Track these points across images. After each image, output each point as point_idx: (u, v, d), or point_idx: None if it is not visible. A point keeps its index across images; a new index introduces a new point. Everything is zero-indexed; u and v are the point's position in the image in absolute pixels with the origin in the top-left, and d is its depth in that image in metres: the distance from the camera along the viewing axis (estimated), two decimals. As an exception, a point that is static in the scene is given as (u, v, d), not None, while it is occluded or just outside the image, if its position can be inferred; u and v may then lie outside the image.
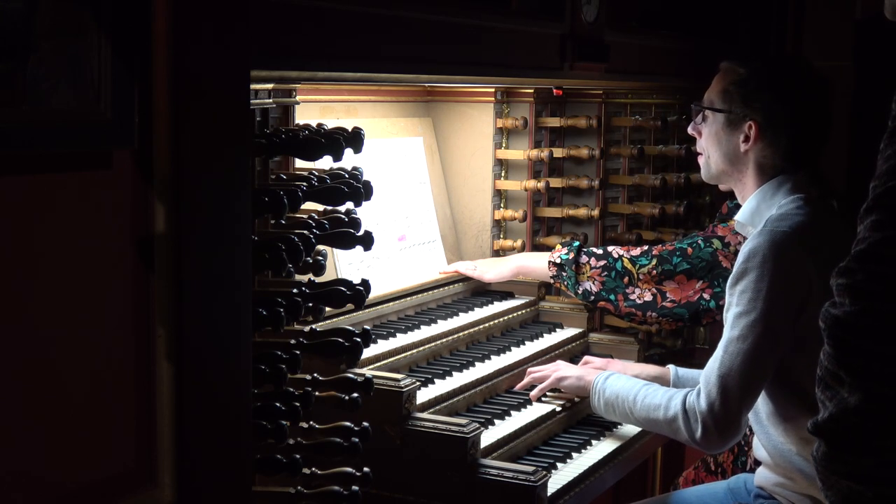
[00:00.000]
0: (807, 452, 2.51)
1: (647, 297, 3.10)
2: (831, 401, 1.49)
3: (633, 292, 3.12)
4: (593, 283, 3.15)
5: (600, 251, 3.18)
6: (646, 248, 3.17)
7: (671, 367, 3.01)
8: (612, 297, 3.14)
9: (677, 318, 3.12)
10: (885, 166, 1.49)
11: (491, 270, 3.28)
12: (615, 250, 3.18)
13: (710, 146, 2.80)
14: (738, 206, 3.12)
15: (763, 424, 2.67)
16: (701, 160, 2.87)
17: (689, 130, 2.89)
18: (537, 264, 3.25)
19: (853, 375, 1.45)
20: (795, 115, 2.68)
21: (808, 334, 2.44)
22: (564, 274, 3.18)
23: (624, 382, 2.77)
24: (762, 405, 2.66)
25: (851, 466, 1.47)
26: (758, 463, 3.17)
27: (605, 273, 3.13)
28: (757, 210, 2.72)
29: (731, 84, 2.74)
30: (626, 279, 3.11)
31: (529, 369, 2.94)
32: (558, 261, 3.19)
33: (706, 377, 2.56)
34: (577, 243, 3.22)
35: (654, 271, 3.09)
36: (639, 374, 2.96)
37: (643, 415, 2.68)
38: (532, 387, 2.90)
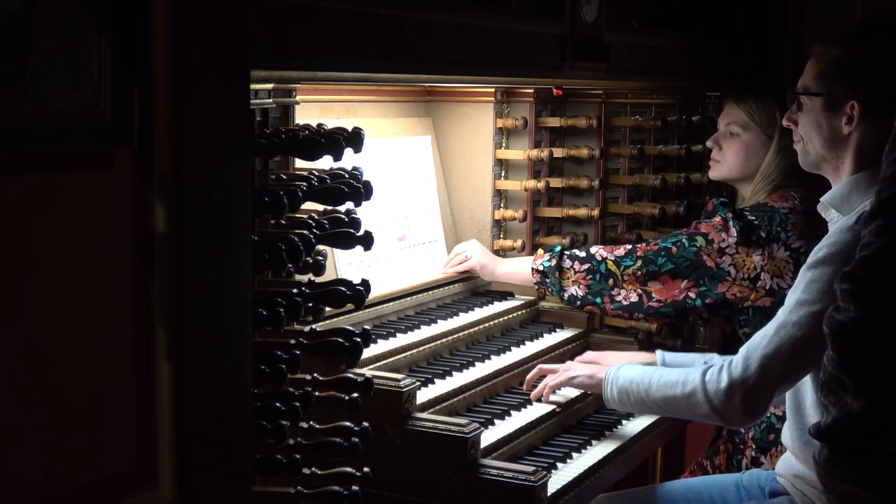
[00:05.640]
0: None
1: (633, 297, 3.09)
2: (835, 406, 1.49)
3: (619, 294, 3.10)
4: (578, 287, 3.13)
5: (583, 253, 3.16)
6: (629, 247, 3.15)
7: (658, 352, 3.00)
8: (598, 300, 3.12)
9: (664, 318, 3.13)
10: (891, 170, 1.49)
11: (483, 270, 3.27)
12: (599, 252, 3.16)
13: (808, 133, 2.62)
14: (724, 204, 3.11)
15: (803, 412, 2.63)
16: (798, 147, 2.68)
17: (785, 122, 2.71)
18: (523, 270, 3.24)
19: (857, 382, 1.46)
20: None
21: None
22: (548, 281, 3.16)
23: (637, 369, 2.76)
24: (808, 392, 2.62)
25: (853, 471, 1.47)
26: (757, 455, 3.17)
27: (590, 276, 3.12)
28: (848, 197, 2.55)
29: (826, 66, 2.58)
30: (610, 281, 3.10)
31: (539, 366, 2.94)
32: (541, 268, 3.17)
33: (748, 351, 2.53)
34: (559, 248, 3.20)
35: (640, 272, 3.08)
36: (629, 362, 2.95)
37: (660, 395, 2.66)
38: (535, 384, 2.88)
